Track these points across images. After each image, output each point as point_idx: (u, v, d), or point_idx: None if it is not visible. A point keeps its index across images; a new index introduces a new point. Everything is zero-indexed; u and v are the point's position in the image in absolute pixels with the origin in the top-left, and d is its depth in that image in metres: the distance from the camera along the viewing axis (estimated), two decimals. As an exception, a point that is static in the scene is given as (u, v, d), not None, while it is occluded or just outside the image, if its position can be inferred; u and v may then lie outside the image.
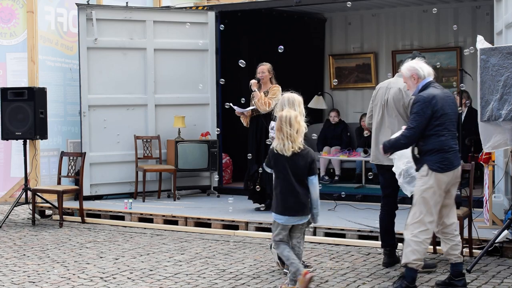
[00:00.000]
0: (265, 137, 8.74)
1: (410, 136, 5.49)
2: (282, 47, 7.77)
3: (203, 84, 10.90)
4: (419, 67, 5.81)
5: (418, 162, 5.56)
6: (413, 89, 5.71)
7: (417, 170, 5.60)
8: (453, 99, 5.64)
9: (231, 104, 8.76)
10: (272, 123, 6.28)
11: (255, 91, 8.73)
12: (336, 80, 11.86)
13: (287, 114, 5.63)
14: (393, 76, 7.21)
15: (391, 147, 5.64)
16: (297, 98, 6.04)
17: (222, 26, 9.41)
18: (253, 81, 8.74)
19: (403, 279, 5.58)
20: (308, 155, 5.63)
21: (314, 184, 5.64)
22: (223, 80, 8.84)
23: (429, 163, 5.46)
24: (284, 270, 6.26)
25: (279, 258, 6.25)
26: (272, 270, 6.47)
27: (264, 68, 8.81)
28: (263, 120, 8.76)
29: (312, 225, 6.06)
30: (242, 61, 7.91)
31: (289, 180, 5.58)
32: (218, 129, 10.27)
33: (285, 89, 8.67)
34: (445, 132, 5.47)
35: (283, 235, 5.66)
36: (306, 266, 6.29)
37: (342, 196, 8.59)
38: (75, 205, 9.63)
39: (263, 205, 9.00)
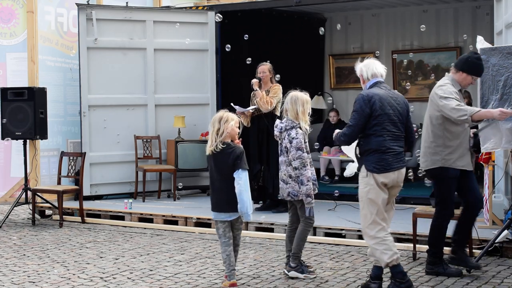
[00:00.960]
0: (266, 136, 8.75)
1: (348, 134, 5.53)
2: (249, 59, 7.77)
3: (203, 84, 10.91)
4: (366, 68, 5.73)
5: (359, 162, 5.62)
6: (363, 88, 5.72)
7: (358, 170, 5.64)
8: (399, 100, 5.58)
9: (232, 104, 8.76)
10: (277, 121, 6.29)
11: (256, 90, 8.74)
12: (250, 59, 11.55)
13: (215, 116, 5.79)
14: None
15: (335, 141, 5.75)
16: (302, 97, 6.07)
17: (219, 16, 9.33)
18: (254, 81, 8.75)
19: (393, 278, 5.55)
20: (234, 152, 5.68)
21: (237, 179, 5.62)
22: (249, 59, 8.64)
23: (366, 164, 5.50)
24: (284, 270, 6.27)
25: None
26: (272, 270, 6.47)
27: (264, 68, 8.82)
28: (264, 119, 8.76)
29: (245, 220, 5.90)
30: (249, 58, 7.89)
31: (214, 178, 5.78)
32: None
33: (285, 89, 8.71)
34: (384, 132, 5.44)
35: (221, 230, 5.80)
36: (306, 266, 6.31)
37: (336, 195, 8.54)
38: (75, 205, 9.63)
39: (261, 202, 9.01)
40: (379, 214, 5.49)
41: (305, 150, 6.06)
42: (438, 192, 6.18)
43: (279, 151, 6.27)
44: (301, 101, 6.07)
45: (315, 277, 6.12)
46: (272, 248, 7.31)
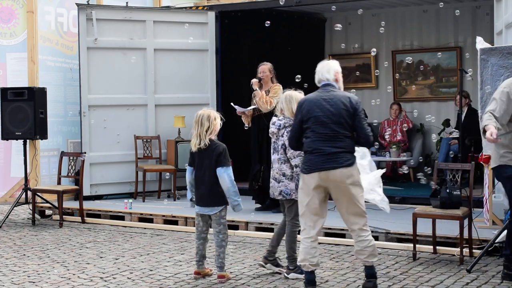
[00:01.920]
0: (266, 136, 8.74)
1: (288, 138, 5.71)
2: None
3: (203, 84, 10.91)
4: (318, 70, 5.68)
5: None
6: None
7: None
8: (335, 101, 5.44)
9: (232, 104, 8.76)
10: (274, 119, 6.29)
11: (256, 90, 8.73)
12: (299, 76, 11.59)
13: (201, 113, 6.05)
14: None
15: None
16: (296, 95, 6.07)
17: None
18: (254, 80, 8.74)
19: (304, 283, 5.60)
20: (217, 149, 5.98)
21: (221, 176, 5.95)
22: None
23: (301, 165, 5.62)
24: (281, 270, 6.27)
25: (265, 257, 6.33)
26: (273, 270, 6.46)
27: (265, 68, 8.82)
28: (264, 119, 8.76)
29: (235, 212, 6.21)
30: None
31: (198, 173, 6.07)
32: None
33: (285, 89, 8.69)
34: (312, 134, 5.44)
35: (198, 221, 6.17)
36: (281, 266, 6.33)
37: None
38: (75, 205, 9.63)
39: (258, 204, 9.02)
40: (303, 215, 5.53)
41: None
42: (509, 193, 5.93)
43: (272, 149, 6.24)
44: (295, 99, 6.07)
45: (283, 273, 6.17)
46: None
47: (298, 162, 5.96)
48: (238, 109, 8.86)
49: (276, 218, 8.27)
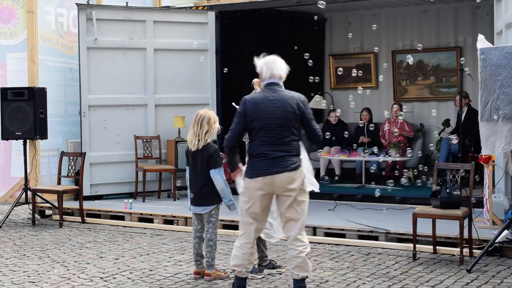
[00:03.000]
0: None
1: (227, 138, 5.32)
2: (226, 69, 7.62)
3: (203, 84, 10.91)
4: (266, 66, 5.38)
5: None
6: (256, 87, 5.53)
7: None
8: (282, 103, 5.23)
9: (233, 104, 8.71)
10: None
11: (257, 90, 8.69)
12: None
13: (202, 114, 6.15)
14: None
15: (230, 160, 5.47)
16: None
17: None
18: (255, 80, 8.67)
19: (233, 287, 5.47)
20: (208, 150, 6.08)
21: (214, 177, 6.07)
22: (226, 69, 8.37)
23: (246, 168, 5.36)
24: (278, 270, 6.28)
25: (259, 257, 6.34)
26: (273, 269, 6.46)
27: None
28: None
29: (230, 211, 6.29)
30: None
31: (191, 173, 6.19)
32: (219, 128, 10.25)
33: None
34: (257, 137, 5.21)
35: (193, 220, 6.29)
36: (278, 267, 6.36)
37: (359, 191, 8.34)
38: (75, 205, 9.63)
39: None
40: (245, 219, 5.31)
41: None
42: None
43: None
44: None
45: (263, 277, 6.17)
46: (272, 248, 7.30)
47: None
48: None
49: (276, 218, 8.27)
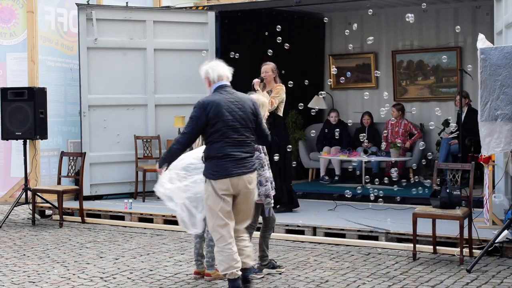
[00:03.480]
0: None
1: (182, 142, 5.35)
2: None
3: (203, 84, 10.83)
4: (211, 70, 5.58)
5: (204, 168, 5.44)
6: (208, 92, 5.57)
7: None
8: (242, 105, 5.39)
9: None
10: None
11: (257, 90, 8.70)
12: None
13: None
14: None
15: (167, 157, 5.46)
16: (257, 100, 6.07)
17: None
18: (255, 80, 8.66)
19: None
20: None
21: None
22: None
23: (205, 170, 5.37)
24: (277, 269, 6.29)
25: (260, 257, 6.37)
26: (273, 269, 6.46)
27: (267, 68, 8.78)
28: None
29: None
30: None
31: None
32: None
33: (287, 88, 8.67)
34: (222, 138, 5.27)
35: None
36: (278, 267, 6.36)
37: (348, 195, 8.41)
38: (75, 205, 9.63)
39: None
40: (218, 221, 5.33)
41: (262, 151, 6.02)
42: None
43: None
44: (261, 104, 6.10)
45: (262, 277, 6.18)
46: (272, 248, 7.31)
47: (256, 165, 5.70)
48: None
49: (276, 218, 8.26)
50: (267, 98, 6.54)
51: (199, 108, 5.32)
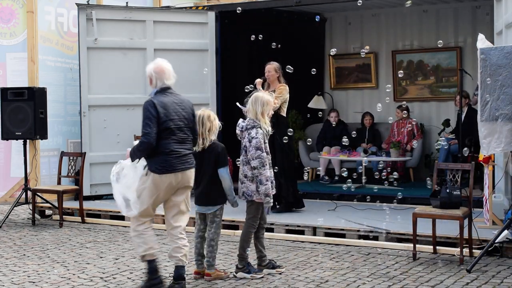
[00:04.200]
0: (270, 136, 8.69)
1: (148, 140, 5.56)
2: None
3: (203, 84, 10.90)
4: (155, 72, 5.78)
5: (147, 162, 5.72)
6: (151, 91, 5.82)
7: (144, 168, 5.74)
8: (184, 106, 5.75)
9: (237, 104, 8.70)
10: (240, 121, 6.33)
11: (259, 89, 8.68)
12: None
13: (201, 114, 6.11)
14: None
15: (135, 154, 5.72)
16: (262, 98, 6.19)
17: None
18: (258, 80, 8.63)
19: (147, 274, 5.73)
20: (215, 149, 6.10)
21: (222, 176, 6.10)
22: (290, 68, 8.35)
23: (150, 164, 5.65)
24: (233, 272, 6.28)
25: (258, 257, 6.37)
26: (273, 269, 6.46)
27: (270, 67, 8.75)
28: None
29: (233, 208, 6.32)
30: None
31: (198, 173, 6.05)
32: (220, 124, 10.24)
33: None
34: (169, 136, 5.60)
35: (198, 222, 6.30)
36: (278, 267, 6.34)
37: (352, 189, 8.32)
38: (75, 205, 9.63)
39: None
40: (147, 212, 5.69)
41: (264, 150, 6.06)
42: None
43: (241, 150, 6.28)
44: (261, 101, 6.15)
45: (262, 277, 6.15)
46: (272, 248, 7.31)
47: (257, 164, 6.01)
48: (244, 109, 8.79)
49: (276, 218, 8.27)
50: (272, 96, 6.53)
51: (151, 107, 5.61)
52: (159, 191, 5.63)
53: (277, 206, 8.79)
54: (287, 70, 7.62)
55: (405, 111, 11.12)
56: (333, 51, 8.27)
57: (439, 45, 8.02)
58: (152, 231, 5.78)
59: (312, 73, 7.73)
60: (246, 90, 7.84)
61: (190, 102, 5.86)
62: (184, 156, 5.68)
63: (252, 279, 6.09)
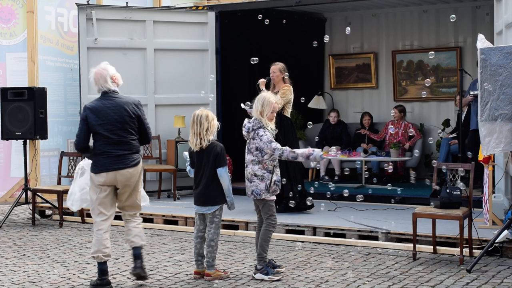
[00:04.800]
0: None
1: (76, 143, 6.09)
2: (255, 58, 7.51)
3: (203, 84, 10.91)
4: (98, 80, 6.14)
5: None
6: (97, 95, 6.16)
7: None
8: (118, 110, 5.98)
9: (242, 104, 8.68)
10: (245, 121, 6.32)
11: (262, 90, 8.65)
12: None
13: (199, 113, 6.14)
14: None
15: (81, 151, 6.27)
16: (264, 98, 6.21)
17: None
18: (261, 81, 8.57)
19: (97, 274, 6.00)
20: (215, 149, 6.09)
21: (221, 176, 6.10)
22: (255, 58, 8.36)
23: (90, 165, 6.10)
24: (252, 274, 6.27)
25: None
26: (272, 269, 6.45)
27: (275, 68, 8.72)
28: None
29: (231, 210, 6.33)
30: (254, 58, 7.76)
31: (197, 173, 6.17)
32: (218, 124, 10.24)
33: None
34: (101, 138, 5.97)
35: (196, 220, 6.28)
36: (278, 266, 6.33)
37: (345, 195, 8.38)
38: (75, 205, 9.62)
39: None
40: (94, 210, 6.04)
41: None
42: None
43: (247, 150, 6.28)
44: (262, 102, 6.16)
45: (281, 278, 6.13)
46: (272, 248, 7.31)
47: (279, 153, 6.04)
48: (249, 109, 8.76)
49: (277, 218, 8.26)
50: (277, 98, 6.51)
51: (83, 112, 6.05)
52: (98, 189, 5.98)
53: (277, 207, 8.78)
54: (251, 62, 7.58)
55: (402, 112, 11.20)
56: (326, 39, 8.18)
57: (430, 57, 8.03)
58: (106, 234, 5.96)
59: (314, 45, 7.65)
60: (242, 107, 7.86)
61: (130, 104, 6.05)
62: (119, 156, 5.95)
63: (271, 281, 6.05)
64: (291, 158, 6.10)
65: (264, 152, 6.12)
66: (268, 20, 8.40)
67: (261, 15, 8.43)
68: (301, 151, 6.12)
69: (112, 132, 5.94)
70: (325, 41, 7.55)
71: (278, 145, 6.09)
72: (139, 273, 6.00)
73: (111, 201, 6.05)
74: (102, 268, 5.93)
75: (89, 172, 6.11)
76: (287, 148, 6.10)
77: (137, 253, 6.04)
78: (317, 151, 6.09)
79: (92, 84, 6.15)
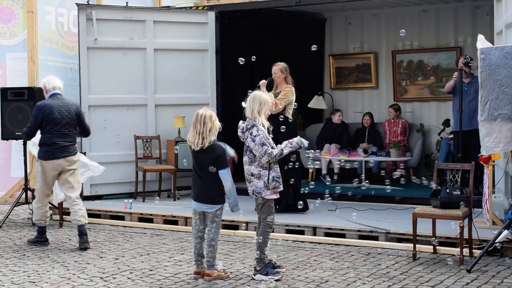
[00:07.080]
0: (272, 137, 8.67)
1: (26, 133, 7.65)
2: (242, 59, 7.52)
3: (203, 84, 10.91)
4: (48, 82, 7.67)
5: (38, 151, 7.66)
6: (46, 96, 7.68)
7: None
8: (68, 107, 7.58)
9: (243, 104, 8.65)
10: (240, 122, 6.32)
11: (263, 91, 8.62)
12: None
13: (203, 113, 6.14)
14: None
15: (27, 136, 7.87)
16: (260, 96, 6.19)
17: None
18: (262, 82, 8.54)
19: (36, 234, 7.81)
20: (215, 151, 6.08)
21: (223, 178, 6.10)
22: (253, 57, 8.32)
23: (39, 153, 7.60)
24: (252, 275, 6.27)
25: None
26: (273, 269, 6.45)
27: (276, 69, 8.68)
28: (270, 121, 8.65)
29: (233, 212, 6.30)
30: (242, 58, 7.76)
31: (197, 171, 6.16)
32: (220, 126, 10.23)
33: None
34: (52, 131, 7.45)
35: (195, 220, 6.23)
36: (278, 266, 6.33)
37: (337, 191, 8.34)
38: (75, 205, 9.61)
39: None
40: (41, 190, 7.62)
41: (270, 145, 6.09)
42: None
43: (244, 151, 6.28)
44: (258, 100, 6.15)
45: (281, 277, 6.12)
46: (272, 248, 7.31)
47: (268, 159, 6.06)
48: None
49: (276, 218, 8.23)
50: (271, 97, 6.51)
51: (37, 109, 7.52)
52: (46, 173, 7.51)
53: (277, 207, 8.78)
54: (238, 61, 7.57)
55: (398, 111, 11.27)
56: (314, 47, 8.10)
57: (401, 34, 8.01)
58: (47, 208, 7.76)
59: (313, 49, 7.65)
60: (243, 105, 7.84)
61: (75, 105, 7.72)
62: (64, 147, 7.52)
63: (270, 281, 6.05)
64: (281, 156, 6.13)
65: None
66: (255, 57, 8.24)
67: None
68: (283, 145, 6.16)
69: (64, 126, 7.50)
70: (312, 49, 7.52)
71: (269, 150, 6.05)
72: (87, 246, 7.44)
73: (52, 182, 7.63)
74: (42, 230, 7.72)
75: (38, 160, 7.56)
76: (273, 151, 6.08)
77: (82, 230, 7.48)
78: (295, 139, 6.19)
79: (46, 85, 7.63)
